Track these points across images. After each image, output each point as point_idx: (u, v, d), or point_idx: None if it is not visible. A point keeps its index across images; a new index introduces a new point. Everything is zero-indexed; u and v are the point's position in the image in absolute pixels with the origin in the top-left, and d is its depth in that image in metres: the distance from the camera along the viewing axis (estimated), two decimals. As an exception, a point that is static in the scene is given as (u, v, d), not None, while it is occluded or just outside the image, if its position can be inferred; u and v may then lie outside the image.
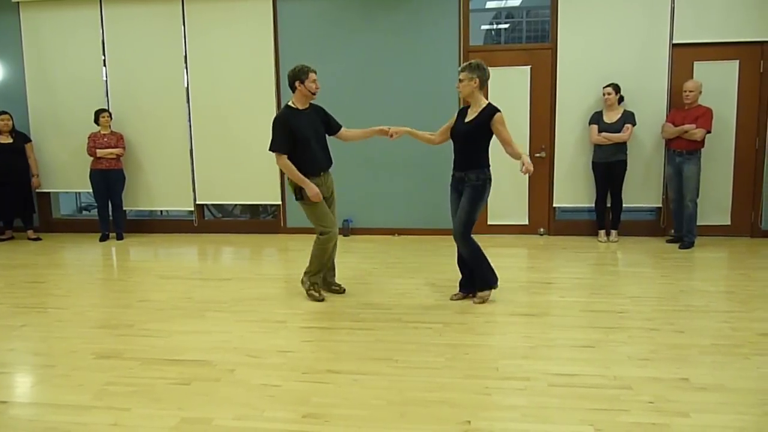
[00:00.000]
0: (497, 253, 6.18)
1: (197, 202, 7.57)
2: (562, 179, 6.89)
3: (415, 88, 6.97)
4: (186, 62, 7.30)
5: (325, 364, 3.35)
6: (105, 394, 3.04)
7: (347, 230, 7.20)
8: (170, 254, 6.49)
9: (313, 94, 4.42)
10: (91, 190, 7.33)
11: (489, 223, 7.10)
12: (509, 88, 6.86)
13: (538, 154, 6.90)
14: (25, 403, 3.01)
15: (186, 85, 7.34)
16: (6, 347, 3.73)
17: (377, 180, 7.16)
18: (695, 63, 6.51)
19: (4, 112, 7.18)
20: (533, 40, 16.94)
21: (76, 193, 9.49)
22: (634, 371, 3.17)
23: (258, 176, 7.33)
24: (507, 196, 7.03)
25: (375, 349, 3.56)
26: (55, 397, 3.03)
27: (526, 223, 7.07)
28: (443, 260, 5.87)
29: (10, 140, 7.19)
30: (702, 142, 6.14)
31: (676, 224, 6.47)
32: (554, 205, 6.96)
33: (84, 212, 9.84)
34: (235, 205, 8.47)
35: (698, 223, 6.44)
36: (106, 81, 7.43)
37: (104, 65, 7.42)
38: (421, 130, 6.93)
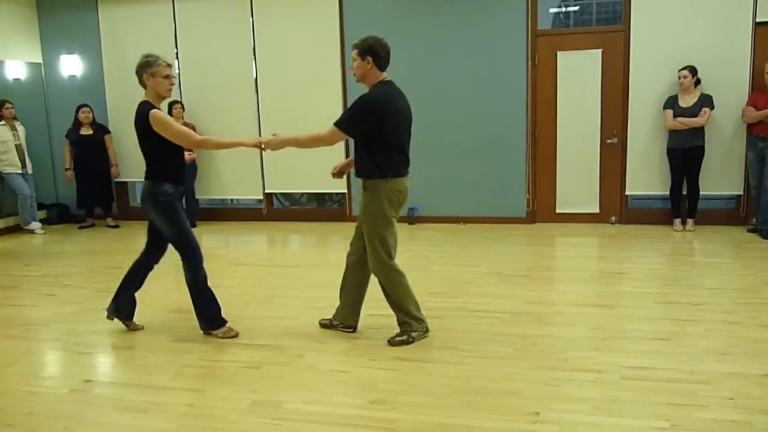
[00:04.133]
0: (566, 242, 6.05)
1: (266, 191, 7.73)
2: (636, 166, 6.65)
3: (482, 74, 6.86)
4: (254, 53, 7.44)
5: (392, 352, 3.37)
6: (180, 376, 3.16)
7: (413, 218, 7.19)
8: (241, 242, 6.66)
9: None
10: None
11: (558, 211, 6.95)
12: (579, 73, 6.67)
13: (609, 140, 6.69)
14: (106, 382, 3.17)
15: (255, 76, 7.48)
16: (89, 329, 3.93)
17: (443, 166, 7.09)
18: (781, 42, 6.15)
19: (85, 105, 7.52)
20: (604, 22, 16.34)
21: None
22: (713, 366, 3.04)
23: (324, 165, 7.27)
24: (577, 183, 6.85)
25: (441, 338, 3.55)
26: (135, 377, 3.18)
27: (597, 211, 6.87)
28: (510, 249, 5.79)
29: (91, 132, 7.53)
30: (787, 127, 5.81)
31: (758, 213, 6.15)
32: (627, 192, 6.74)
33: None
34: (302, 193, 8.60)
35: (783, 212, 6.11)
36: (179, 74, 7.65)
37: (176, 58, 7.64)
38: (488, 117, 6.94)
